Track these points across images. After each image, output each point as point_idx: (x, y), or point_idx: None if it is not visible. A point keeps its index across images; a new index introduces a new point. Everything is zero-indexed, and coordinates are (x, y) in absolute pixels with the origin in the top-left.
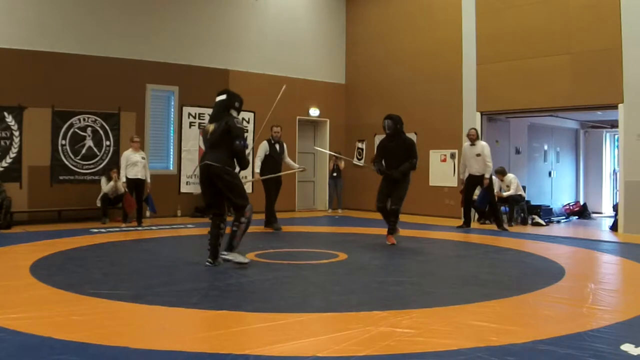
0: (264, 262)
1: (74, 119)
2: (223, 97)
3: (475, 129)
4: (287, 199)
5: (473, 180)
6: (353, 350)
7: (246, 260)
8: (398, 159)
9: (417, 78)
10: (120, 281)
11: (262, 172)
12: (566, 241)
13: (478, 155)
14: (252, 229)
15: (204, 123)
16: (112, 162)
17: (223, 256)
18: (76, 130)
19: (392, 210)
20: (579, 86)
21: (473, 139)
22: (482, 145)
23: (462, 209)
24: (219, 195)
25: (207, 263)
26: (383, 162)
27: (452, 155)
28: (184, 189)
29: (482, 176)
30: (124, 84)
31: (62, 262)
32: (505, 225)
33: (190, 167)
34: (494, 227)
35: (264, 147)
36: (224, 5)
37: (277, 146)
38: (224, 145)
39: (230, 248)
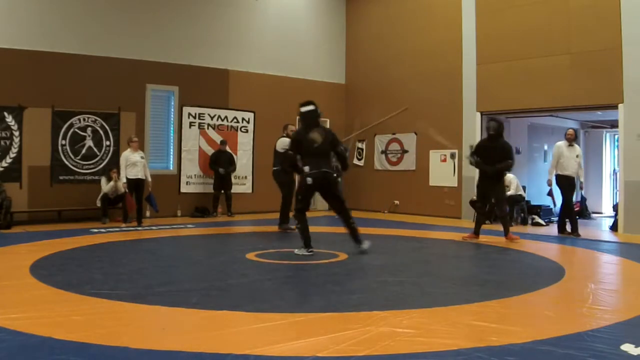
0: (264, 262)
1: (74, 119)
2: (311, 107)
3: (574, 129)
4: None
5: (570, 181)
6: (353, 350)
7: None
8: (494, 159)
9: (417, 78)
10: (120, 281)
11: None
12: (566, 241)
13: (577, 156)
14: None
15: (203, 123)
16: (112, 162)
17: (362, 247)
18: (76, 130)
19: (500, 215)
20: (579, 86)
21: (572, 139)
22: (579, 147)
23: (561, 215)
24: (312, 196)
25: (310, 252)
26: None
27: (452, 155)
28: (184, 189)
29: (574, 178)
30: (124, 84)
31: (62, 262)
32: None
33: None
34: (493, 227)
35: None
36: (224, 5)
37: None
38: (329, 153)
39: (360, 239)
